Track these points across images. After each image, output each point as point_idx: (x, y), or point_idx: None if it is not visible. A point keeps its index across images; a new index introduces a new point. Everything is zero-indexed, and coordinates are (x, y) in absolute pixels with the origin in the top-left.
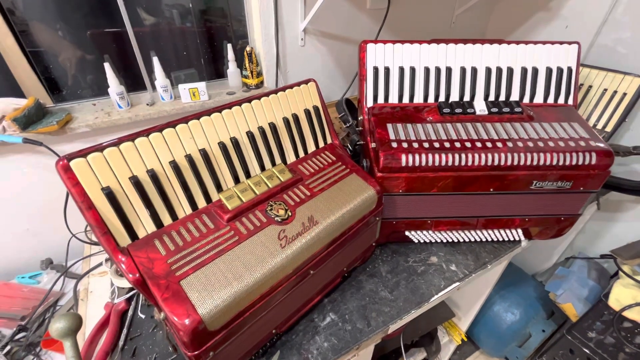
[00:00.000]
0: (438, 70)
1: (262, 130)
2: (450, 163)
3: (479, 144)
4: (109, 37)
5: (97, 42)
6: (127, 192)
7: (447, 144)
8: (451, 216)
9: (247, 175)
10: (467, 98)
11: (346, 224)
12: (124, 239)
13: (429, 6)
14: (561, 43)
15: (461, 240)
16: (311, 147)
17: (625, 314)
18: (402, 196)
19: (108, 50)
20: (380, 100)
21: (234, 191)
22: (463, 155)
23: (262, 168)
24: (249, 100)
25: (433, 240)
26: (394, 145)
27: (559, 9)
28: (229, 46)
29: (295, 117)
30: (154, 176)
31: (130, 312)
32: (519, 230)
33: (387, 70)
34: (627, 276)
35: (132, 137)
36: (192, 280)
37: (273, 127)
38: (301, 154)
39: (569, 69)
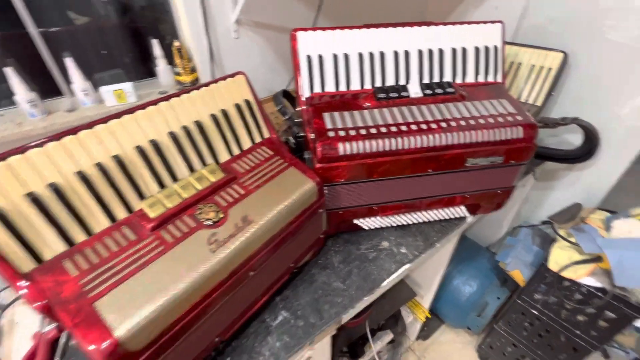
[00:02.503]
0: (371, 55)
1: (186, 130)
2: (387, 148)
3: (414, 127)
4: (13, 39)
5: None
6: (23, 210)
7: (383, 129)
8: (395, 200)
9: (175, 179)
10: (403, 82)
11: (285, 219)
12: (27, 263)
13: None
14: (485, 22)
15: (410, 222)
16: (246, 144)
17: (564, 274)
18: (345, 185)
19: (14, 54)
20: (317, 89)
21: (158, 197)
22: (399, 139)
23: (192, 170)
24: (167, 99)
25: (383, 226)
26: (331, 134)
27: None
28: (155, 42)
29: (225, 113)
30: (57, 190)
31: (62, 340)
32: (462, 207)
33: (320, 58)
34: (562, 239)
35: (21, 150)
36: (108, 300)
37: (199, 125)
38: (235, 151)
39: (495, 47)
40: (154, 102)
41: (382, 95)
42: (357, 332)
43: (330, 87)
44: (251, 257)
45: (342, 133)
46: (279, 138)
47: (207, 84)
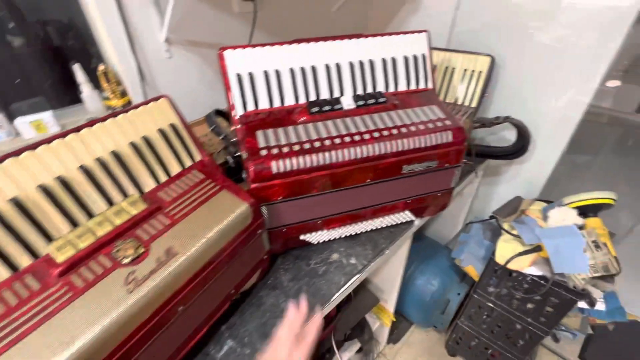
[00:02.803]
0: (303, 70)
1: (101, 162)
2: (322, 162)
3: (347, 139)
4: None
5: None
6: None
7: (317, 144)
8: (338, 212)
9: (90, 215)
10: (337, 94)
11: (216, 247)
12: None
13: (304, 5)
14: (412, 32)
15: (359, 232)
16: (175, 169)
17: (510, 266)
18: (284, 202)
19: None
20: (251, 107)
21: (68, 238)
22: (333, 153)
23: (112, 203)
24: (78, 129)
25: (332, 238)
26: (264, 153)
27: (420, 0)
28: (76, 67)
29: (147, 140)
30: None
31: None
32: (407, 212)
33: (251, 75)
34: (506, 232)
35: None
36: None
37: (116, 155)
38: (162, 178)
39: (423, 55)
40: (63, 135)
41: (316, 109)
42: (323, 346)
43: (264, 104)
44: (178, 291)
45: (275, 151)
46: (212, 160)
47: (125, 111)
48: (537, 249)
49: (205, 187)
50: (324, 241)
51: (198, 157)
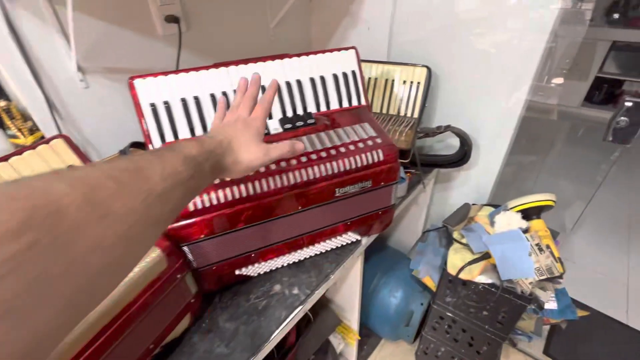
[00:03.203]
0: (226, 95)
1: None
2: (244, 194)
3: (273, 167)
4: None
5: None
6: None
7: None
8: (272, 243)
9: None
10: None
11: (121, 303)
12: None
13: (239, 23)
14: (340, 50)
15: (302, 258)
16: None
17: (461, 276)
18: (208, 240)
19: None
20: (170, 138)
21: None
22: (257, 183)
23: None
24: None
25: (273, 268)
26: None
27: (359, 13)
28: None
29: None
30: None
31: None
32: (350, 233)
33: (167, 104)
34: (456, 242)
35: None
36: None
37: None
38: None
39: (353, 72)
40: None
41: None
42: None
43: (184, 134)
44: (79, 354)
45: None
46: None
47: (18, 152)
48: (486, 256)
49: None
50: (265, 272)
51: None
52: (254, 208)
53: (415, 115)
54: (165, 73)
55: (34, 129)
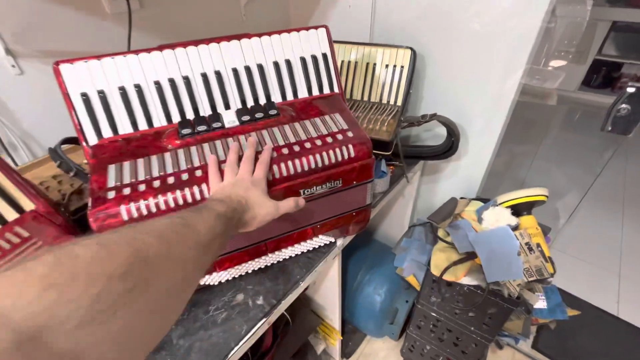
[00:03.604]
0: (173, 82)
1: None
2: (189, 199)
3: (224, 166)
4: None
5: None
6: None
7: (185, 176)
8: (230, 251)
9: None
10: (221, 109)
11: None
12: None
13: (204, 1)
14: (307, 29)
15: (269, 263)
16: None
17: (445, 277)
18: None
19: None
20: (107, 133)
21: None
22: (205, 186)
23: None
24: None
25: (237, 276)
26: (111, 195)
27: None
28: None
29: None
30: None
31: None
32: (321, 237)
33: (102, 94)
34: (441, 240)
35: None
36: None
37: None
38: None
39: (324, 55)
40: None
41: (187, 131)
42: None
43: (125, 129)
44: None
45: (127, 190)
46: (51, 207)
47: None
48: (472, 256)
49: (28, 250)
50: (228, 280)
51: (29, 206)
52: None
53: (399, 103)
54: (99, 57)
55: None
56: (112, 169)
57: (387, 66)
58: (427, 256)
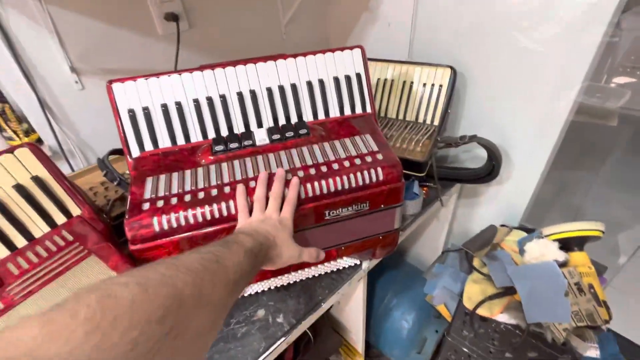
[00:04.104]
0: (210, 100)
1: None
2: (217, 215)
3: (253, 184)
4: None
5: None
6: None
7: (214, 192)
8: None
9: None
10: (254, 127)
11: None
12: None
13: (246, 21)
14: (342, 49)
15: (292, 281)
16: (38, 231)
17: (479, 311)
18: None
19: None
20: (149, 146)
21: None
22: (231, 202)
23: None
24: None
25: (259, 291)
26: (145, 207)
27: (378, 8)
28: None
29: None
30: None
31: None
32: (345, 259)
33: (146, 110)
34: (476, 271)
35: None
36: None
37: None
38: (20, 243)
39: (358, 75)
40: None
41: (220, 148)
42: None
43: (165, 143)
44: None
45: (160, 203)
46: (94, 214)
47: None
48: (511, 291)
49: (70, 253)
50: (250, 294)
51: (76, 211)
52: (231, 229)
53: (436, 122)
54: (147, 76)
55: (29, 131)
56: (149, 181)
57: (424, 85)
58: (461, 285)
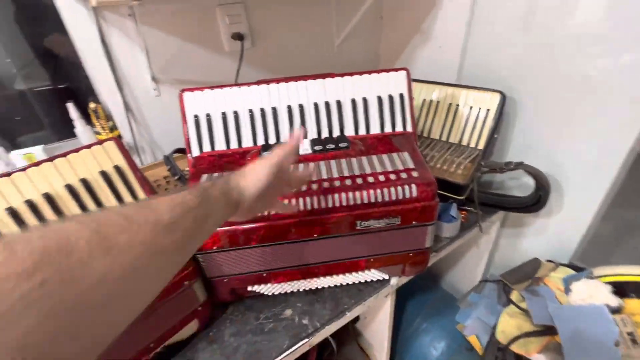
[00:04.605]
0: (263, 112)
1: (31, 204)
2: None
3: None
4: None
5: None
6: None
7: None
8: (284, 267)
9: None
10: None
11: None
12: None
13: (303, 41)
14: (388, 71)
15: (321, 287)
16: None
17: (513, 348)
18: (220, 253)
19: None
20: (207, 148)
21: None
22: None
23: None
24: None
25: (288, 291)
26: None
27: (430, 31)
28: (70, 105)
29: (85, 182)
30: None
31: None
32: (373, 271)
33: (208, 117)
34: (513, 304)
35: None
36: None
37: (48, 198)
38: None
39: (401, 96)
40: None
41: (267, 154)
42: None
43: (220, 146)
44: None
45: None
46: None
47: (64, 154)
48: (550, 330)
49: None
50: (280, 293)
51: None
52: (267, 228)
53: (480, 146)
54: (212, 87)
55: (113, 128)
56: (204, 178)
57: (470, 108)
58: (496, 318)
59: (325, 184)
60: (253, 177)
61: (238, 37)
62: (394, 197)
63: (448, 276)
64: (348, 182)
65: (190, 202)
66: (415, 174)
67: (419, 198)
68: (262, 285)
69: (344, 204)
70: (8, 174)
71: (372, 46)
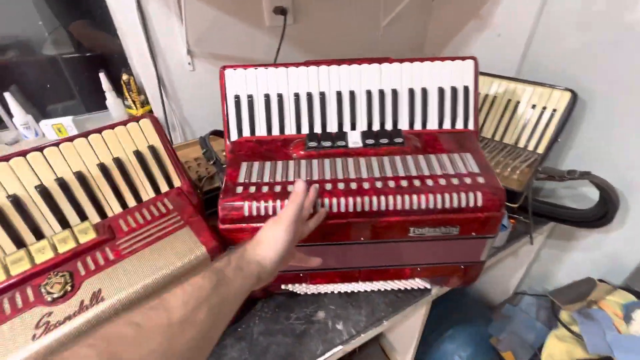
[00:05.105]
0: (310, 96)
1: (61, 182)
2: None
3: (341, 186)
4: None
5: None
6: None
7: None
8: (324, 269)
9: (41, 237)
10: (347, 127)
11: (161, 291)
12: None
13: (347, 20)
14: (453, 59)
15: (356, 290)
16: (146, 195)
17: None
18: None
19: None
20: (246, 132)
21: (3, 262)
22: (318, 200)
23: (67, 226)
24: (40, 149)
25: (322, 292)
26: (239, 190)
27: (490, 17)
28: (102, 75)
29: (119, 162)
30: None
31: None
32: (417, 280)
33: (250, 98)
34: (563, 326)
35: None
36: None
37: (80, 176)
38: (131, 203)
39: (465, 88)
40: (23, 153)
41: (313, 144)
42: None
43: (261, 131)
44: None
45: (252, 189)
46: (192, 187)
47: (98, 130)
48: None
49: (170, 220)
50: (313, 293)
51: (177, 182)
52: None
53: (540, 150)
54: (256, 66)
55: (144, 103)
56: (244, 166)
57: (533, 106)
58: (536, 336)
59: (378, 184)
60: (271, 245)
61: (281, 11)
62: (455, 205)
63: (479, 283)
64: (404, 183)
65: (203, 291)
66: (480, 179)
67: (484, 207)
68: (297, 285)
69: (399, 207)
70: (41, 149)
71: (419, 30)
